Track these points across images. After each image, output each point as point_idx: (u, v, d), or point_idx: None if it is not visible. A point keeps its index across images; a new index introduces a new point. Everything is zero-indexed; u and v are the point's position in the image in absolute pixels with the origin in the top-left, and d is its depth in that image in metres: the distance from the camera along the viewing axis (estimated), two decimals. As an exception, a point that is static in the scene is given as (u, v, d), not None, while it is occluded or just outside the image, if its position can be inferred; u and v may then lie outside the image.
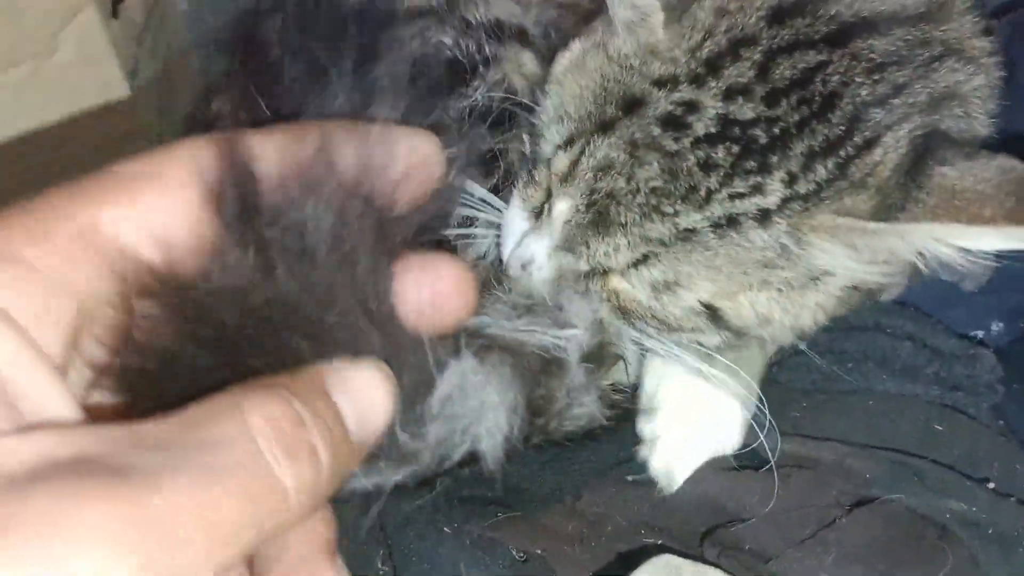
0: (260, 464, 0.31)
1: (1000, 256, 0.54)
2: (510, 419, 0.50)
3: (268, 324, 0.38)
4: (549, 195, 0.63)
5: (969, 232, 0.51)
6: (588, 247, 0.60)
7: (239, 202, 0.36)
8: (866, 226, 0.54)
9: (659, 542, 0.63)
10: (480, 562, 0.64)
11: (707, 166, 0.55)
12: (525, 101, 0.70)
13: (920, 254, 0.55)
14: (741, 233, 0.56)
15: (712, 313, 0.60)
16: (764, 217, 0.55)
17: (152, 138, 0.90)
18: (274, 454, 0.32)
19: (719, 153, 0.55)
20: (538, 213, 0.64)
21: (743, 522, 0.62)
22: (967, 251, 0.53)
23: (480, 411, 0.48)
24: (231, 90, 0.84)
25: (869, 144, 0.55)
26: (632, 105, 0.57)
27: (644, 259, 0.58)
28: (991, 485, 0.65)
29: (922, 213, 0.52)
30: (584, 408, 0.60)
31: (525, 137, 0.67)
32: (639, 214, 0.57)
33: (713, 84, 0.56)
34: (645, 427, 0.68)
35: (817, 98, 0.55)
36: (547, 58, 0.78)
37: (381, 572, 0.66)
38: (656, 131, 0.56)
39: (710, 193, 0.55)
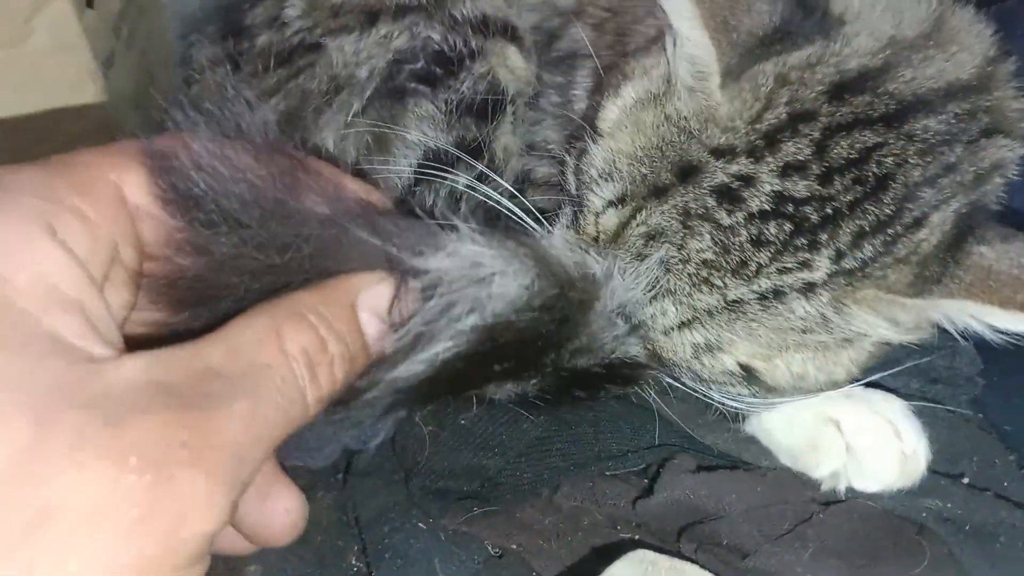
0: (296, 387, 0.39)
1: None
2: (519, 292, 0.50)
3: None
4: (593, 244, 0.62)
5: (1001, 314, 0.53)
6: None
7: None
8: (905, 302, 0.55)
9: (636, 537, 0.62)
10: (454, 557, 0.63)
11: (759, 242, 0.55)
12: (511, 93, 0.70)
13: (956, 324, 0.56)
14: (784, 304, 0.56)
15: (748, 373, 0.60)
16: (808, 290, 0.56)
17: (128, 128, 0.88)
18: (304, 377, 0.40)
19: (771, 230, 0.55)
20: None
21: (720, 518, 0.61)
22: (997, 330, 0.54)
23: (488, 281, 0.50)
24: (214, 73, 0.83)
25: (917, 223, 0.56)
26: (688, 172, 0.57)
27: (688, 323, 0.58)
28: (966, 480, 0.65)
29: (958, 290, 0.54)
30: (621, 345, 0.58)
31: (570, 177, 0.66)
32: (689, 284, 0.57)
33: (771, 159, 0.55)
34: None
35: (871, 179, 0.55)
36: (534, 53, 0.78)
37: (355, 568, 0.66)
38: (711, 203, 0.56)
39: (759, 268, 0.55)
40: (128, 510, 0.32)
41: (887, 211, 0.55)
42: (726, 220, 0.56)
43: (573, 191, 0.65)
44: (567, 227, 0.65)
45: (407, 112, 0.72)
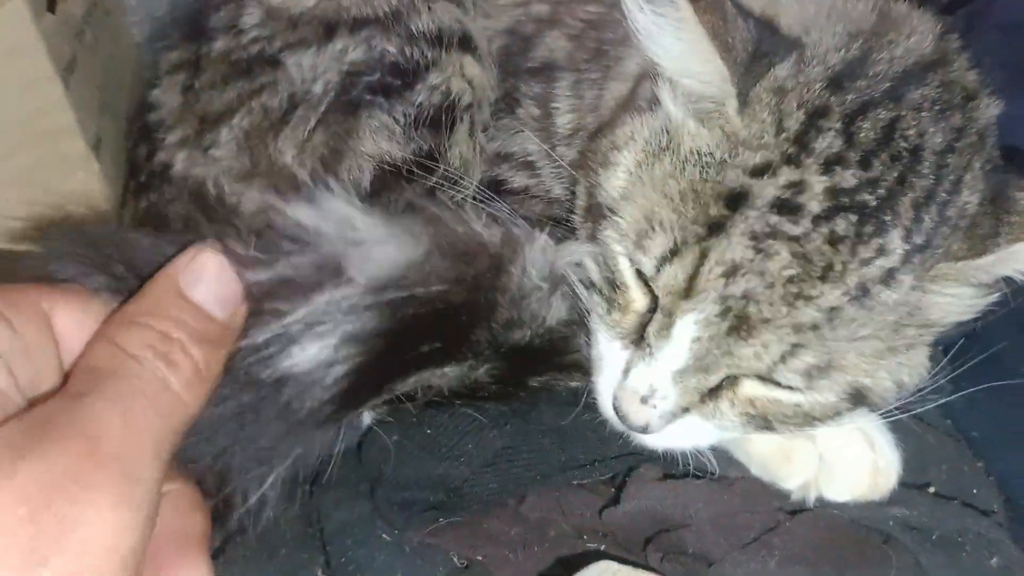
0: (154, 379, 0.42)
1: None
2: (408, 264, 0.53)
3: None
4: (645, 317, 0.61)
5: None
6: (731, 355, 0.57)
7: None
8: (975, 262, 0.56)
9: (601, 547, 0.62)
10: (418, 570, 0.63)
11: (834, 240, 0.55)
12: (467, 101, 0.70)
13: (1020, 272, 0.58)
14: (874, 299, 0.56)
15: (859, 392, 0.59)
16: (891, 277, 0.56)
17: (90, 135, 0.87)
18: (159, 368, 0.43)
19: (840, 225, 0.55)
20: (637, 339, 0.62)
21: (687, 527, 0.61)
22: None
23: (365, 245, 0.52)
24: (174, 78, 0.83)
25: (956, 187, 0.57)
26: (737, 199, 0.56)
27: (793, 349, 0.56)
28: (932, 490, 0.65)
29: (1020, 232, 0.55)
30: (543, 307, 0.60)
31: (589, 263, 0.65)
32: (784, 304, 0.55)
33: (810, 160, 0.55)
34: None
35: (905, 154, 0.56)
36: (496, 60, 0.79)
37: (320, 581, 0.65)
38: (774, 219, 0.55)
39: (845, 265, 0.55)
40: (28, 549, 0.35)
41: (930, 180, 0.56)
42: (796, 230, 0.55)
43: (599, 278, 0.64)
44: (607, 315, 0.64)
45: (362, 124, 0.71)
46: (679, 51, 0.58)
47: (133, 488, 0.38)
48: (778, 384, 0.58)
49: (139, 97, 0.95)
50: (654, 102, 0.63)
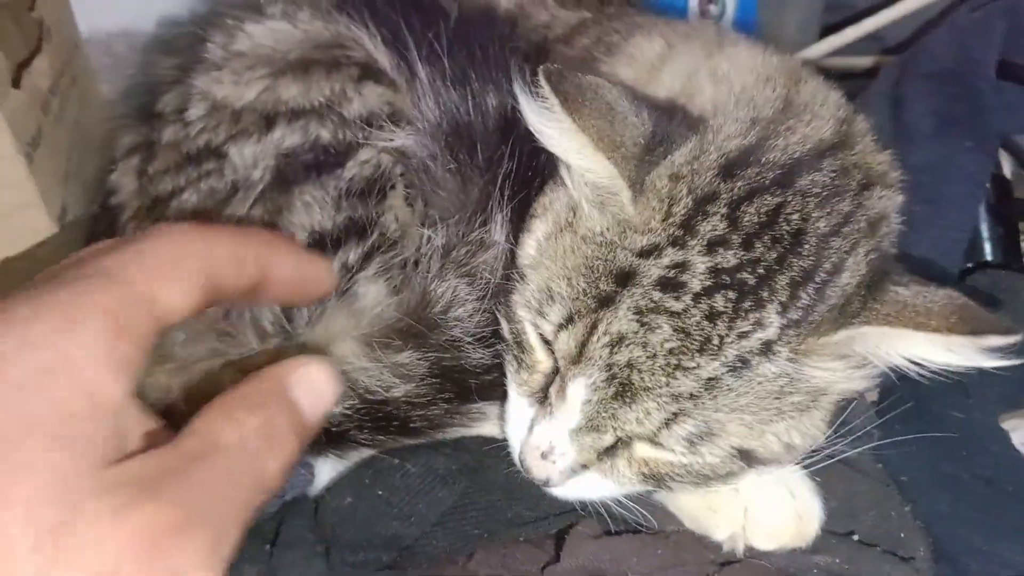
0: (252, 461, 0.47)
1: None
2: None
3: None
4: (549, 378, 0.66)
5: (917, 339, 0.58)
6: (616, 419, 0.61)
7: None
8: (832, 337, 0.59)
9: (543, 603, 0.65)
10: (370, 628, 0.65)
11: (712, 316, 0.58)
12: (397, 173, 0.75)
13: (881, 360, 0.61)
14: (753, 369, 0.59)
15: (745, 456, 0.63)
16: (767, 349, 0.59)
17: (52, 205, 0.90)
18: (261, 449, 0.48)
19: (719, 302, 0.59)
20: (541, 398, 0.66)
21: (622, 582, 0.64)
22: (916, 363, 0.59)
23: None
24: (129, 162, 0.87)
25: (837, 268, 0.61)
26: (625, 278, 0.60)
27: (674, 417, 0.60)
28: (856, 537, 0.68)
29: (875, 318, 0.59)
30: None
31: (504, 324, 0.70)
32: (664, 375, 0.59)
33: (693, 242, 0.59)
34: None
35: (786, 236, 0.60)
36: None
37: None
38: (658, 295, 0.59)
39: (722, 339, 0.58)
40: None
41: (809, 261, 0.60)
42: (677, 306, 0.59)
43: (509, 336, 0.69)
44: (516, 373, 0.68)
45: (294, 199, 0.76)
46: (572, 151, 0.62)
47: (220, 553, 0.43)
48: (663, 446, 0.62)
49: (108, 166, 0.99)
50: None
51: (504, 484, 0.72)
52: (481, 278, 0.72)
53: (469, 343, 0.72)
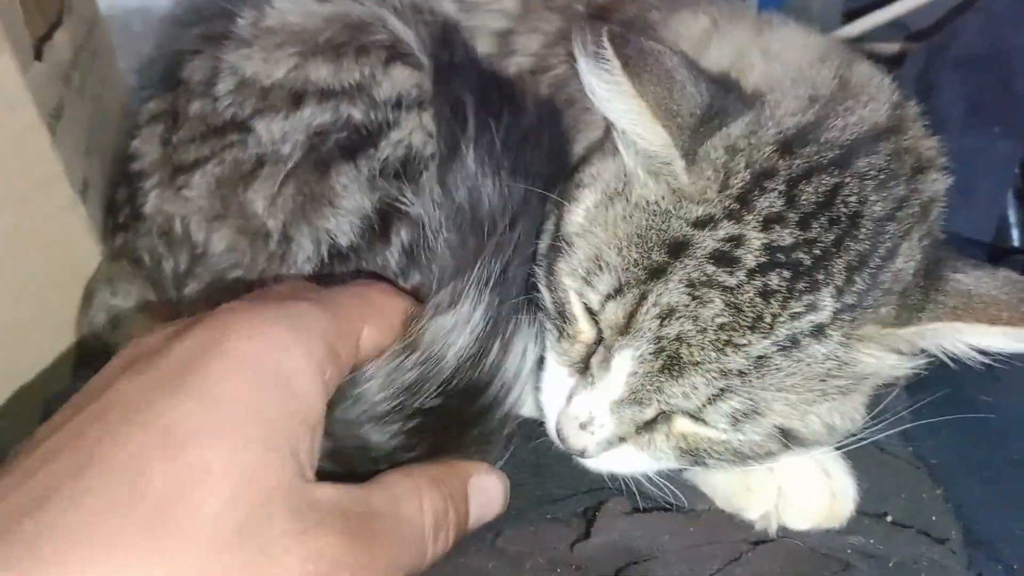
0: (423, 540, 0.51)
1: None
2: None
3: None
4: (591, 348, 0.65)
5: (989, 332, 0.57)
6: (661, 392, 0.60)
7: None
8: (897, 332, 0.59)
9: (574, 580, 0.64)
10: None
11: (766, 294, 0.58)
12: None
13: (946, 352, 0.61)
14: (803, 350, 0.59)
15: (786, 435, 0.62)
16: (819, 332, 0.59)
17: (75, 178, 0.89)
18: (430, 533, 0.51)
19: (774, 280, 0.58)
20: (582, 368, 0.65)
21: (654, 558, 0.64)
22: (982, 351, 0.59)
23: None
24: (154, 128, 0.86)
25: (891, 254, 0.60)
26: (678, 248, 0.59)
27: (721, 393, 0.59)
28: (889, 518, 0.68)
29: (944, 313, 0.59)
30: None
31: (544, 293, 0.69)
32: (713, 350, 0.58)
33: (750, 217, 0.59)
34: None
35: (843, 218, 0.59)
36: None
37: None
38: (711, 269, 0.58)
39: (774, 318, 0.58)
40: None
41: (865, 245, 0.60)
42: (730, 281, 0.58)
43: (551, 305, 0.68)
44: (556, 343, 0.68)
45: (330, 178, 0.75)
46: (627, 116, 0.62)
47: None
48: (705, 422, 0.61)
49: (127, 136, 0.98)
50: (616, 148, 0.67)
51: (532, 461, 0.72)
52: None
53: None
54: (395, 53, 0.81)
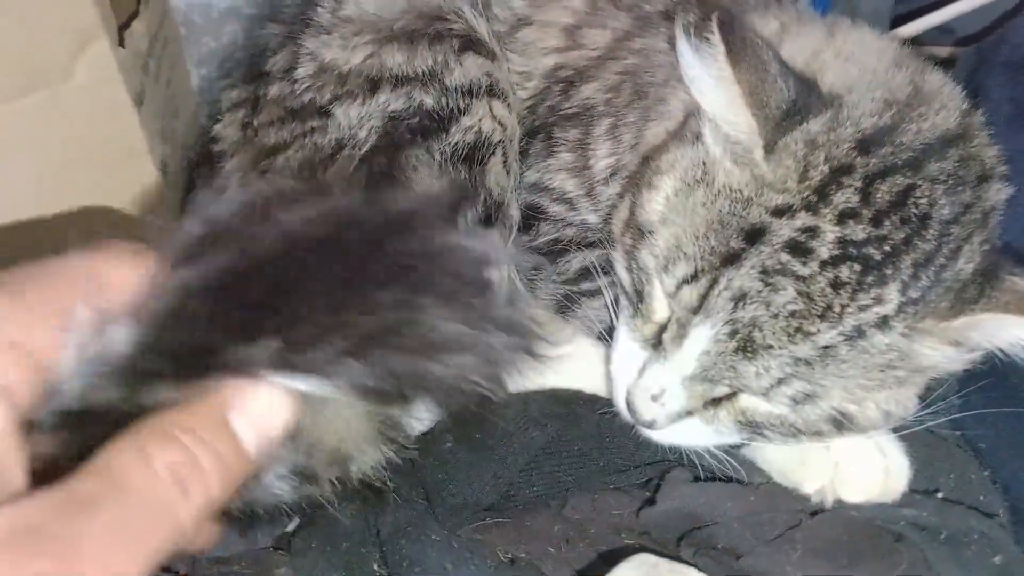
0: (166, 505, 0.39)
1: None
2: None
3: None
4: (662, 327, 0.68)
5: None
6: (735, 371, 0.63)
7: None
8: (951, 323, 0.62)
9: (638, 544, 0.67)
10: (467, 563, 0.67)
11: (837, 285, 0.61)
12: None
13: (996, 345, 0.64)
14: (867, 340, 0.62)
15: (843, 417, 0.65)
16: (884, 323, 0.62)
17: (157, 160, 0.94)
18: (174, 493, 0.40)
19: (844, 273, 0.61)
20: (655, 343, 0.68)
21: (716, 524, 0.67)
22: None
23: None
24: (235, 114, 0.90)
25: (954, 255, 0.63)
26: (756, 234, 0.62)
27: (789, 376, 0.62)
28: (940, 494, 0.71)
29: (996, 306, 0.62)
30: None
31: (622, 271, 0.72)
32: (785, 336, 0.61)
33: (826, 210, 0.62)
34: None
35: (914, 218, 0.62)
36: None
37: (378, 574, 0.70)
38: (785, 257, 0.61)
39: (843, 308, 0.61)
40: None
41: (931, 245, 0.62)
42: (803, 271, 0.61)
43: (629, 286, 0.71)
44: (631, 319, 0.71)
45: (402, 160, 0.79)
46: (719, 101, 0.65)
47: None
48: (769, 401, 0.64)
49: (196, 126, 1.02)
50: (697, 136, 0.70)
51: (596, 433, 0.75)
52: None
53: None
54: (469, 42, 0.84)
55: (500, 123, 0.83)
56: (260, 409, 0.44)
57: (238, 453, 0.43)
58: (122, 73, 0.88)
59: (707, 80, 0.65)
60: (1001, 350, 0.65)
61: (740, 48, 0.62)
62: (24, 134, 0.85)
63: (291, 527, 0.72)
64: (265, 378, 0.43)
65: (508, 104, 0.86)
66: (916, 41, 1.17)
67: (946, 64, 1.10)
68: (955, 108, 0.69)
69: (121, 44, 0.92)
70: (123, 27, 0.97)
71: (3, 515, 0.36)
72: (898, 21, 1.21)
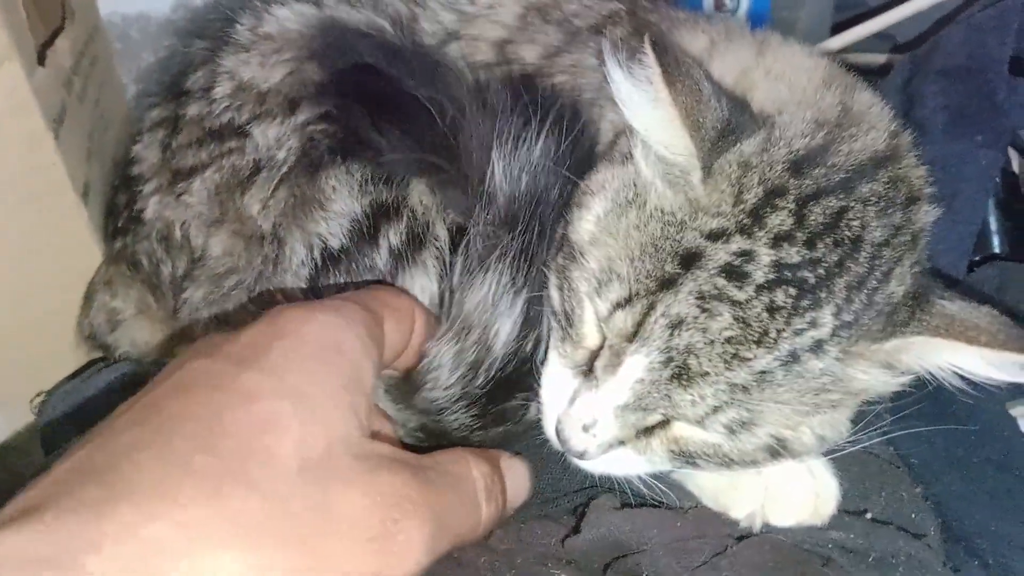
0: (477, 499, 0.57)
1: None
2: None
3: None
4: (593, 353, 0.66)
5: (967, 351, 0.60)
6: (670, 400, 0.62)
7: None
8: (882, 346, 0.62)
9: (563, 574, 0.66)
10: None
11: (772, 309, 0.60)
12: None
13: (925, 368, 0.64)
14: (802, 365, 0.61)
15: (779, 444, 0.64)
16: (818, 347, 0.61)
17: (77, 183, 0.91)
18: (483, 495, 0.57)
19: (780, 297, 0.60)
20: (585, 371, 0.67)
21: (642, 551, 0.65)
22: (960, 375, 0.62)
23: None
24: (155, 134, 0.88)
25: (886, 277, 0.63)
26: (691, 259, 0.61)
27: (724, 404, 0.61)
28: (869, 516, 0.70)
29: (926, 330, 0.61)
30: None
31: (554, 293, 0.71)
32: (721, 362, 0.60)
33: (761, 233, 0.61)
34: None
35: (847, 240, 0.62)
36: None
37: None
38: (722, 282, 0.60)
39: (779, 333, 0.60)
40: (366, 531, 0.48)
41: (864, 268, 0.62)
42: (740, 295, 0.60)
43: (559, 309, 0.69)
44: (560, 343, 0.69)
45: (320, 182, 0.77)
46: (654, 123, 0.63)
47: (434, 548, 0.51)
48: (704, 429, 0.63)
49: (126, 139, 1.00)
50: (627, 157, 0.68)
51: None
52: None
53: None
54: None
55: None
56: (517, 476, 0.64)
57: (506, 494, 0.61)
58: (38, 95, 0.86)
59: (640, 102, 0.63)
60: (931, 373, 0.64)
61: (675, 69, 0.61)
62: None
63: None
64: None
65: None
66: (855, 48, 1.18)
67: (884, 71, 1.11)
68: (884, 128, 0.68)
69: (41, 63, 0.90)
70: (46, 44, 0.94)
71: (384, 446, 0.53)
72: (837, 28, 1.21)
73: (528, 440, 0.74)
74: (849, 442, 0.69)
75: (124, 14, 1.31)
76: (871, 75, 1.08)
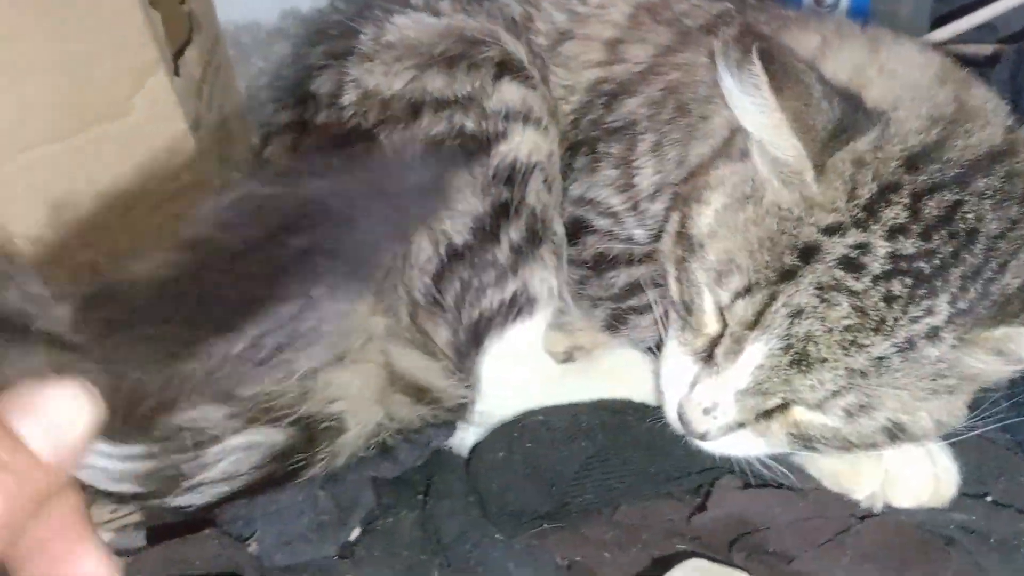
0: None
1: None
2: None
3: None
4: (712, 341, 0.70)
5: None
6: (789, 384, 0.65)
7: None
8: (995, 333, 0.63)
9: (690, 549, 0.69)
10: (528, 566, 0.69)
11: (889, 298, 0.62)
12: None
13: None
14: (918, 351, 0.63)
15: (896, 428, 0.67)
16: (934, 334, 0.63)
17: (214, 184, 0.97)
18: None
19: (896, 287, 0.62)
20: (706, 357, 0.70)
21: (767, 529, 0.68)
22: None
23: None
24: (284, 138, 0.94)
25: (1002, 269, 0.64)
26: (809, 252, 0.64)
27: (843, 388, 0.64)
28: (990, 498, 0.72)
29: None
30: None
31: (672, 284, 0.74)
32: (840, 349, 0.63)
33: (876, 226, 0.63)
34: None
35: (962, 233, 0.63)
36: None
37: (439, 579, 0.73)
38: (839, 274, 0.63)
39: (896, 321, 0.63)
40: None
41: (979, 259, 0.64)
42: (857, 286, 0.62)
43: (679, 299, 0.73)
44: (680, 332, 0.73)
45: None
46: (765, 127, 0.66)
47: None
48: (823, 413, 0.65)
49: (247, 148, 1.06)
50: (744, 153, 0.71)
51: (646, 441, 0.76)
52: None
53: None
54: (505, 67, 0.87)
55: (537, 144, 0.86)
56: (54, 409, 0.39)
57: (26, 458, 0.37)
58: (180, 103, 0.92)
59: (751, 108, 0.66)
60: None
61: (782, 76, 0.63)
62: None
63: (354, 536, 0.75)
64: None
65: (545, 127, 0.88)
66: (959, 39, 1.17)
67: (989, 62, 1.11)
68: (1000, 124, 0.69)
69: (176, 73, 0.96)
70: (177, 55, 1.01)
71: None
72: (939, 21, 1.21)
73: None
74: (966, 427, 0.71)
75: (236, 22, 1.37)
76: (976, 66, 1.08)
